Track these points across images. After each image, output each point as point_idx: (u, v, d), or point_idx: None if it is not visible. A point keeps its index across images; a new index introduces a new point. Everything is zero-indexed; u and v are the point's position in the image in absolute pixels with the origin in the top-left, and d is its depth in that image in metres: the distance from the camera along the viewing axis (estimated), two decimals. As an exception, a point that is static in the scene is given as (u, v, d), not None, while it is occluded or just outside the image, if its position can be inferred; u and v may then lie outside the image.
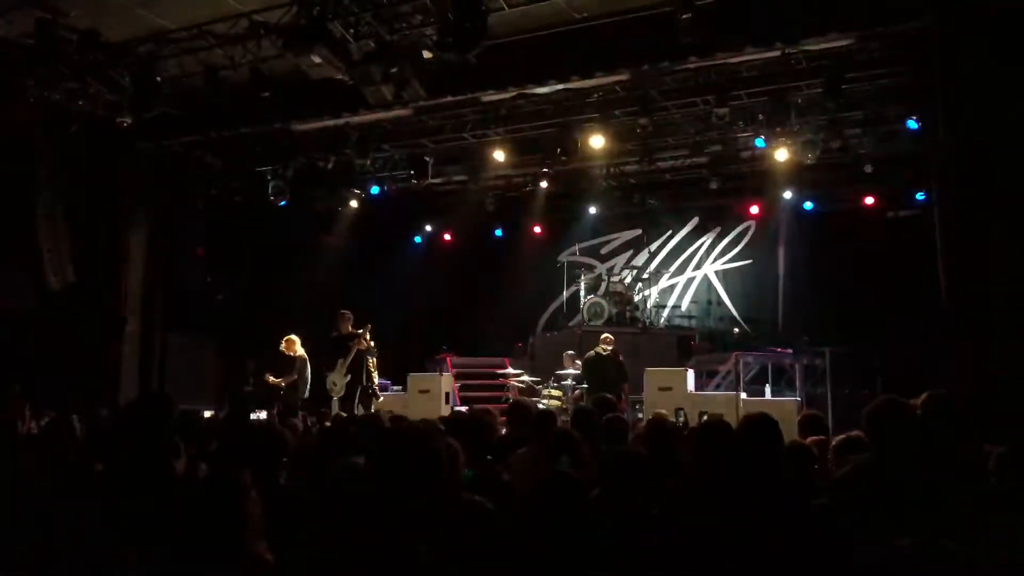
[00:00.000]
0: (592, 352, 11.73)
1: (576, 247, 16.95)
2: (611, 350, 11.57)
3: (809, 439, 5.31)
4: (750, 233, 15.74)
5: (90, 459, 3.16)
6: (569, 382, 12.22)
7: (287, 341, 11.60)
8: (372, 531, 1.94)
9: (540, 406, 10.20)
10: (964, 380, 7.02)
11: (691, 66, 9.81)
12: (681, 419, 8.36)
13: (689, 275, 16.20)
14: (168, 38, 9.90)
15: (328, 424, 7.30)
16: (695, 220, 16.20)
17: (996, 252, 6.98)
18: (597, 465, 3.68)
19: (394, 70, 8.94)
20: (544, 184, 14.64)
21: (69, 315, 11.61)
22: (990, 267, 7.02)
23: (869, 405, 3.29)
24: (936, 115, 8.22)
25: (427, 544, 1.98)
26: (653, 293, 15.83)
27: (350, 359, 11.29)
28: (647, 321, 14.99)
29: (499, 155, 12.95)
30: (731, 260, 15.90)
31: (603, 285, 15.25)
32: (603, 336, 11.84)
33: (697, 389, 12.33)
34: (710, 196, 14.58)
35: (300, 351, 11.64)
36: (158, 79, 9.89)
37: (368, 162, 13.31)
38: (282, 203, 13.22)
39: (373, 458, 2.07)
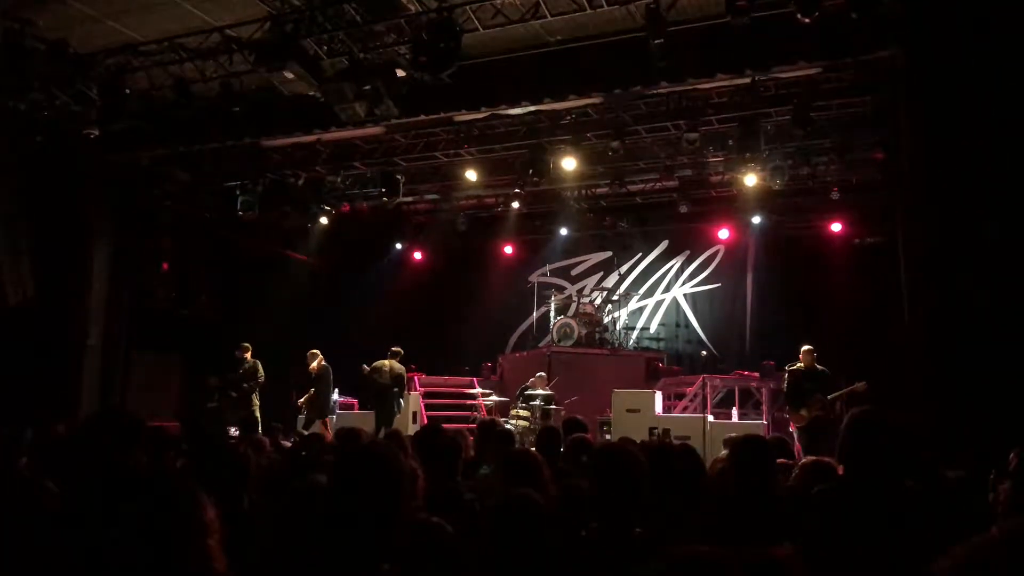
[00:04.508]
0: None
1: (547, 268, 16.98)
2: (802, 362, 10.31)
3: (781, 460, 5.35)
4: (719, 257, 15.88)
5: (39, 475, 3.06)
6: (538, 403, 12.18)
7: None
8: (331, 551, 1.90)
9: (508, 426, 10.15)
10: (924, 403, 7.11)
11: (663, 91, 9.91)
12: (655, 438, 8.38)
13: (658, 298, 16.29)
14: (138, 51, 9.79)
15: (290, 443, 7.25)
16: (665, 243, 16.33)
17: (957, 278, 7.09)
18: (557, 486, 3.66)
19: (367, 88, 8.92)
20: (516, 205, 14.71)
21: (28, 330, 11.36)
22: (951, 294, 7.13)
23: (848, 416, 3.26)
24: (901, 143, 8.37)
25: (389, 564, 1.95)
26: (622, 315, 15.88)
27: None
28: (616, 343, 15.02)
29: (471, 175, 12.99)
30: (700, 283, 16.02)
31: (573, 306, 15.29)
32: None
33: (665, 411, 12.38)
34: (680, 220, 14.75)
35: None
36: (127, 91, 9.77)
37: (339, 179, 13.26)
38: (250, 219, 13.15)
39: (332, 477, 2.03)
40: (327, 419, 12.25)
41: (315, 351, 12.56)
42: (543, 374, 12.67)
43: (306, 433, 10.90)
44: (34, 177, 11.54)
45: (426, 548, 2.21)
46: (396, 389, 12.32)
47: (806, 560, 2.89)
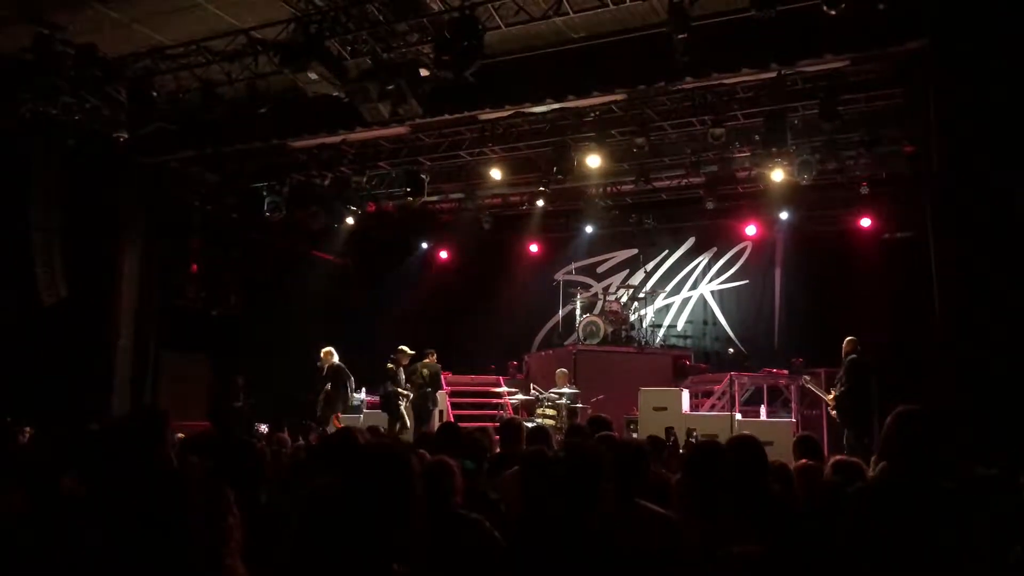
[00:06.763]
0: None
1: (572, 266, 16.93)
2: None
3: (803, 461, 5.28)
4: (746, 254, 15.74)
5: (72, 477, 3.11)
6: (563, 400, 12.14)
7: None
8: (344, 550, 1.90)
9: (532, 424, 10.14)
10: (955, 400, 7.00)
11: (687, 86, 9.84)
12: (672, 439, 8.28)
13: (685, 295, 16.19)
14: (165, 54, 9.91)
15: (313, 441, 7.31)
16: (691, 240, 16.22)
17: (988, 273, 6.97)
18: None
19: (391, 87, 8.95)
20: (540, 203, 14.68)
21: (62, 330, 11.55)
22: (982, 289, 7.00)
23: (893, 413, 3.19)
24: (930, 137, 8.24)
25: (399, 565, 1.95)
26: (649, 313, 15.80)
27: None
28: (643, 341, 14.94)
29: (496, 173, 12.99)
30: (727, 280, 15.89)
31: (599, 304, 15.24)
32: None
33: (692, 409, 12.30)
34: (706, 216, 14.64)
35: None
36: (154, 94, 9.90)
37: (364, 179, 13.32)
38: (277, 219, 13.25)
39: (344, 476, 2.04)
40: (336, 415, 12.44)
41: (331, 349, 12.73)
42: (564, 370, 12.64)
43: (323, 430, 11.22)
44: (66, 180, 11.72)
45: (466, 542, 2.22)
46: (430, 389, 12.67)
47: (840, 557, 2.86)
